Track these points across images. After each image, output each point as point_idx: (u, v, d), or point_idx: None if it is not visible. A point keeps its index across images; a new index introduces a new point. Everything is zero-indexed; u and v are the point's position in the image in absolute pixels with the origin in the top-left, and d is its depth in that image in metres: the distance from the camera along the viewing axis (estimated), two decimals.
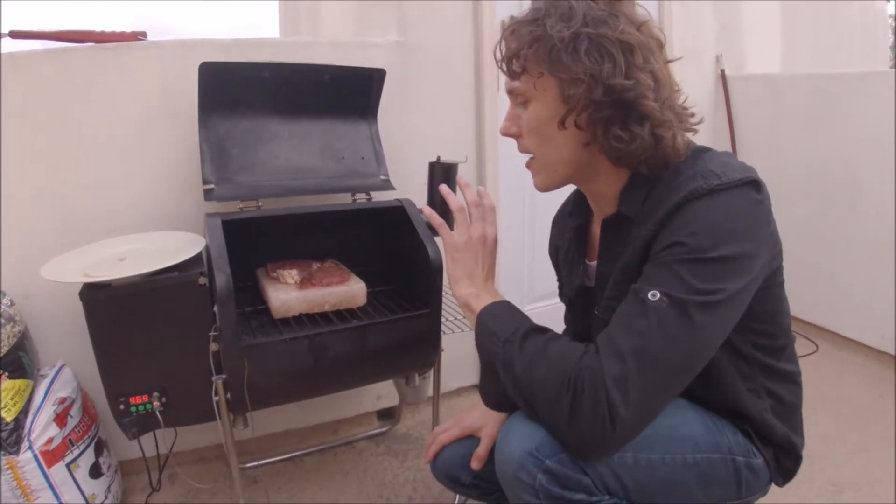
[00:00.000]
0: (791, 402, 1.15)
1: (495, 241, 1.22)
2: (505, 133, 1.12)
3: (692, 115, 1.08)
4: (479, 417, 1.32)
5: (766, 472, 1.14)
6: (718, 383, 1.09)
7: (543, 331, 1.05)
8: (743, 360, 1.08)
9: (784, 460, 1.16)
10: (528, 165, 1.14)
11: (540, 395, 0.96)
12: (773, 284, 1.06)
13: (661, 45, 1.03)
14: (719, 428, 1.10)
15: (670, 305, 0.90)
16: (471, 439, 1.33)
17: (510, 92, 1.09)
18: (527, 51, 1.00)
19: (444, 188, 1.29)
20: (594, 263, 1.20)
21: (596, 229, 1.21)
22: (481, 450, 1.28)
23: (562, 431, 0.96)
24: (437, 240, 1.69)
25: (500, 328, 1.06)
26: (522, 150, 1.12)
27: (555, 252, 1.40)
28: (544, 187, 1.13)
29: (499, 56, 1.06)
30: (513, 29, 1.03)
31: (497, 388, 1.08)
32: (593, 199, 1.19)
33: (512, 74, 1.06)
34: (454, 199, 1.24)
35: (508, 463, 1.01)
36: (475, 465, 1.28)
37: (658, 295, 0.91)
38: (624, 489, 1.02)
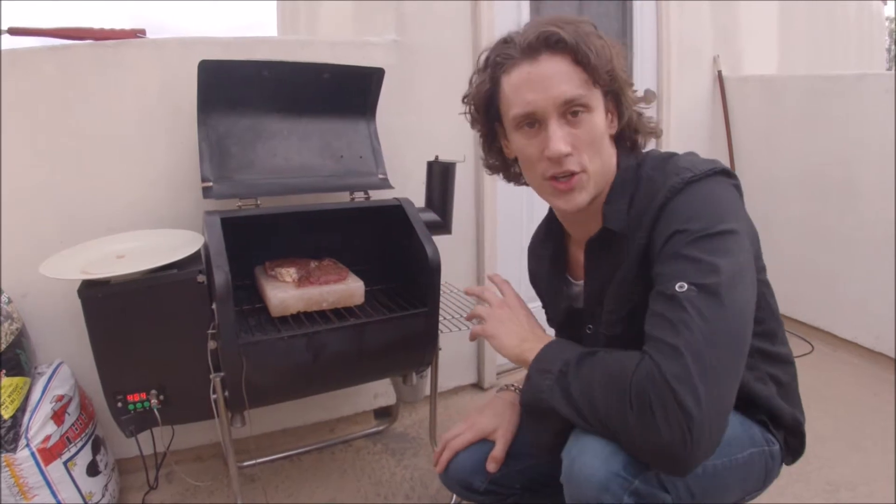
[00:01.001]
0: (789, 383, 1.18)
1: (518, 297, 1.24)
2: (563, 154, 1.03)
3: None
4: (492, 418, 1.29)
5: (780, 457, 1.16)
6: None
7: (594, 352, 1.00)
8: None
9: (792, 440, 1.18)
10: (573, 183, 1.06)
11: (614, 417, 0.91)
12: (756, 268, 1.06)
13: None
14: (747, 423, 1.12)
15: (699, 292, 0.89)
16: (482, 443, 1.28)
17: (568, 103, 1.02)
18: (611, 57, 1.03)
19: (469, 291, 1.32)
20: (580, 283, 1.20)
21: (574, 251, 1.22)
22: (498, 452, 1.24)
23: (641, 448, 0.90)
24: (436, 239, 1.70)
25: (551, 364, 1.02)
26: (574, 167, 1.04)
27: (535, 280, 1.41)
28: (586, 202, 1.08)
29: (596, 63, 1.01)
30: (595, 35, 1.03)
31: (551, 431, 1.03)
32: (577, 217, 1.16)
33: (606, 82, 1.04)
34: (486, 292, 1.26)
35: (588, 485, 0.94)
36: (492, 467, 1.23)
37: (685, 286, 0.90)
38: (693, 500, 1.00)
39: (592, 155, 1.04)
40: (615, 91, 1.06)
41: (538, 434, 1.09)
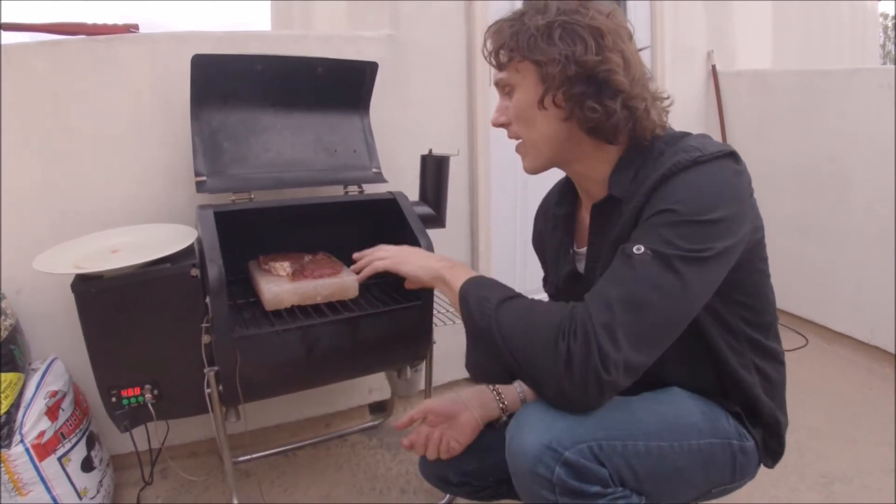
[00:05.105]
0: (777, 381, 1.19)
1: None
2: (495, 123, 1.19)
3: (666, 98, 1.16)
4: (450, 405, 1.35)
5: (756, 455, 1.17)
6: (712, 358, 1.12)
7: (526, 297, 1.09)
8: (731, 334, 1.12)
9: (770, 441, 1.19)
10: (518, 149, 1.19)
11: (538, 345, 0.97)
12: (756, 258, 1.10)
13: (630, 35, 1.11)
14: (715, 414, 1.13)
15: (654, 257, 0.95)
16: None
17: (497, 84, 1.17)
18: (508, 43, 1.09)
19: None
20: (583, 250, 1.22)
21: (584, 216, 1.24)
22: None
23: (558, 379, 0.95)
24: (431, 232, 1.70)
25: (491, 294, 1.09)
26: (512, 136, 1.19)
27: (539, 240, 1.43)
28: (533, 169, 1.18)
29: (486, 52, 1.15)
30: (496, 28, 1.13)
31: (488, 360, 1.10)
32: (581, 183, 1.23)
33: (499, 66, 1.13)
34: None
35: (524, 457, 0.99)
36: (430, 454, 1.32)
37: (643, 249, 0.96)
38: (637, 480, 1.02)
39: (523, 126, 1.14)
40: (538, 62, 1.07)
41: (474, 358, 1.16)
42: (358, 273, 1.42)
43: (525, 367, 1.00)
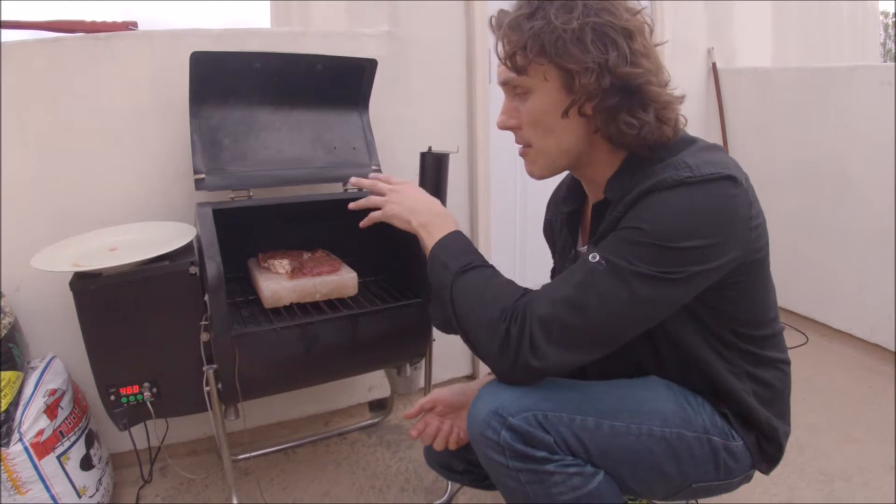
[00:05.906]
0: (777, 388, 1.16)
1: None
2: (503, 126, 1.13)
3: (680, 96, 1.10)
4: (457, 396, 1.34)
5: (748, 457, 1.15)
6: (700, 364, 1.11)
7: (488, 266, 1.13)
8: (721, 344, 1.11)
9: (767, 447, 1.16)
10: (524, 154, 1.14)
11: (483, 321, 1.04)
12: (752, 277, 1.07)
13: (651, 31, 1.05)
14: (694, 407, 1.12)
15: (607, 267, 0.97)
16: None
17: (506, 84, 1.09)
18: (531, 44, 1.00)
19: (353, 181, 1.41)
20: (584, 249, 1.21)
21: (590, 214, 1.22)
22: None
23: (493, 354, 1.03)
24: None
25: (452, 261, 1.12)
26: (521, 141, 1.13)
27: (549, 230, 1.42)
28: (541, 176, 1.15)
29: (501, 53, 1.05)
30: (512, 24, 1.03)
31: (445, 314, 1.15)
32: (587, 184, 1.21)
33: (516, 69, 1.04)
34: (366, 181, 1.34)
35: (476, 423, 1.05)
36: (439, 446, 1.31)
37: (598, 257, 0.98)
38: (586, 452, 1.04)
39: (539, 133, 1.08)
40: (568, 70, 0.99)
41: (434, 309, 1.26)
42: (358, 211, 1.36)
43: (469, 336, 1.08)
